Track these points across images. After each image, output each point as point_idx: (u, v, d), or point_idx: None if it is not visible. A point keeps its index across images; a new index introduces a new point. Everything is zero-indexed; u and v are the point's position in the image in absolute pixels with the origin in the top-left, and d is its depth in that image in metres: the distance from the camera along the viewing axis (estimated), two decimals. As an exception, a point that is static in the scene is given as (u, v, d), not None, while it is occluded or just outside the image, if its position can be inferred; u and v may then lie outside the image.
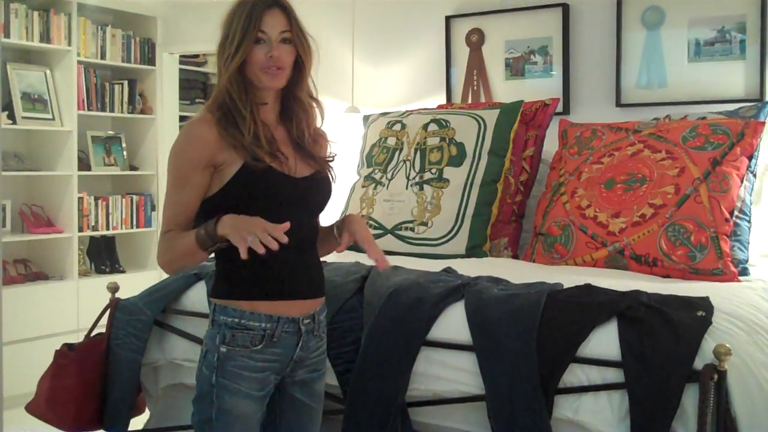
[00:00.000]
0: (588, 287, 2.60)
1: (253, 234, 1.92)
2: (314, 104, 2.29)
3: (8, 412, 3.29)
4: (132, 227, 5.74)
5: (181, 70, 6.26)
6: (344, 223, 2.26)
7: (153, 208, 5.82)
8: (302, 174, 2.19)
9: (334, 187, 2.31)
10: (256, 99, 2.17)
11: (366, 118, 4.46)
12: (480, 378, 2.35)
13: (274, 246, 1.92)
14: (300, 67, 2.21)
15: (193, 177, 2.11)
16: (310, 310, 2.19)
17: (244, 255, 1.92)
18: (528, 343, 2.31)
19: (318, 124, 2.31)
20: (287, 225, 1.97)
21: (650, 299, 2.43)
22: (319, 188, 2.24)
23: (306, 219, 2.19)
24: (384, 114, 4.33)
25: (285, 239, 1.94)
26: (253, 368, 2.11)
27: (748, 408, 2.15)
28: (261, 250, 1.91)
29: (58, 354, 2.98)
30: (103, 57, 5.59)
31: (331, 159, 2.31)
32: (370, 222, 3.86)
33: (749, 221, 3.28)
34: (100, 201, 5.53)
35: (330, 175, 2.29)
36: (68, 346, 3.00)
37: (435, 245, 3.68)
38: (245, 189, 2.11)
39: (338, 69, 5.15)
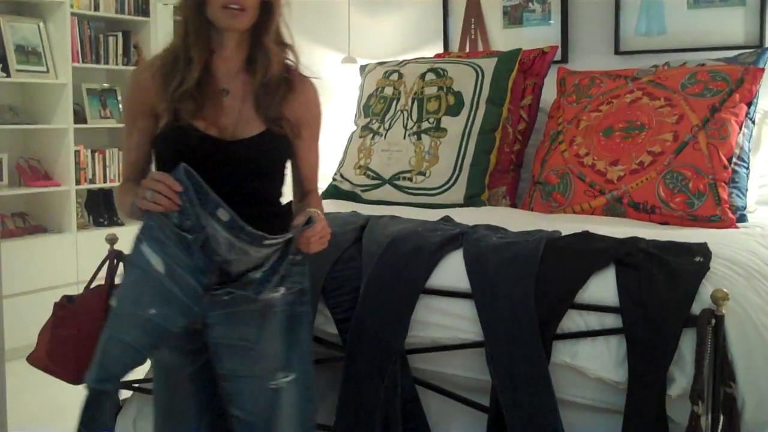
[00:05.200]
0: (586, 234, 2.60)
1: (151, 190, 1.89)
2: (281, 51, 2.12)
3: (10, 363, 3.32)
4: (129, 180, 5.71)
5: (175, 21, 6.19)
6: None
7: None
8: (243, 135, 2.06)
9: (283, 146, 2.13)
10: (213, 45, 2.07)
11: (363, 68, 4.42)
12: (479, 325, 2.36)
13: (166, 203, 1.89)
14: (267, 12, 2.06)
15: (136, 122, 2.11)
16: None
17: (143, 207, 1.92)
18: (526, 290, 2.32)
19: (277, 70, 2.10)
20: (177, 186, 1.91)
21: (648, 246, 2.43)
22: (256, 152, 2.07)
23: (235, 181, 2.03)
24: (381, 64, 4.30)
25: (177, 190, 1.90)
26: None
27: (745, 352, 2.16)
28: (158, 208, 1.89)
29: (58, 306, 2.98)
30: (96, 8, 5.52)
31: (280, 118, 2.10)
32: (368, 172, 3.85)
33: (747, 168, 3.27)
34: (96, 154, 5.50)
35: (281, 134, 2.11)
36: (67, 298, 3.00)
37: (433, 195, 3.68)
38: (163, 148, 2.06)
39: (334, 19, 5.11)
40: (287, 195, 2.22)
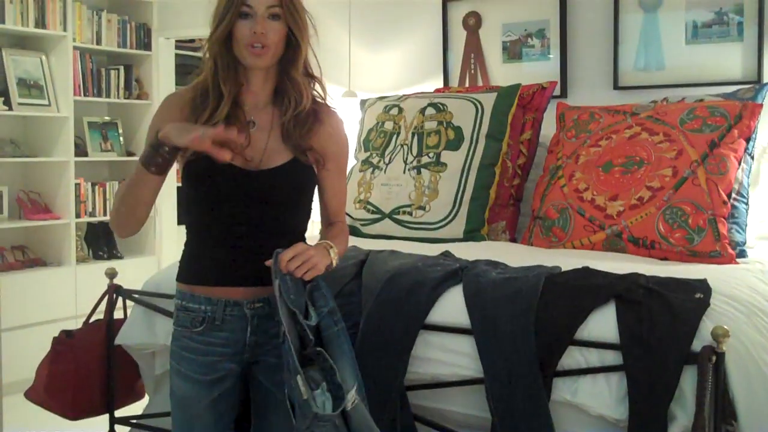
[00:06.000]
0: (586, 270, 2.60)
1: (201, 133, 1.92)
2: (309, 83, 2.20)
3: (7, 398, 3.30)
4: (129, 213, 5.72)
5: (177, 55, 6.24)
6: None
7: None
8: (269, 165, 2.12)
9: (310, 176, 2.20)
10: (241, 79, 2.13)
11: (363, 102, 4.44)
12: (479, 361, 2.35)
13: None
14: (294, 45, 2.13)
15: None
16: (260, 294, 2.12)
17: (205, 147, 1.92)
18: (526, 326, 2.31)
19: (308, 103, 2.17)
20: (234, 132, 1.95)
21: (648, 282, 2.42)
22: (282, 182, 2.13)
23: (261, 212, 2.11)
24: (381, 98, 4.32)
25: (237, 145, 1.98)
26: (195, 350, 2.11)
27: (746, 389, 2.15)
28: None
29: (56, 341, 2.97)
30: (98, 42, 5.57)
31: (308, 149, 2.16)
32: (368, 207, 3.85)
33: (747, 203, 3.27)
34: (97, 187, 5.53)
35: (307, 164, 2.17)
36: (66, 333, 3.00)
37: (433, 229, 3.67)
38: (190, 177, 2.10)
39: (335, 53, 5.14)
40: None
